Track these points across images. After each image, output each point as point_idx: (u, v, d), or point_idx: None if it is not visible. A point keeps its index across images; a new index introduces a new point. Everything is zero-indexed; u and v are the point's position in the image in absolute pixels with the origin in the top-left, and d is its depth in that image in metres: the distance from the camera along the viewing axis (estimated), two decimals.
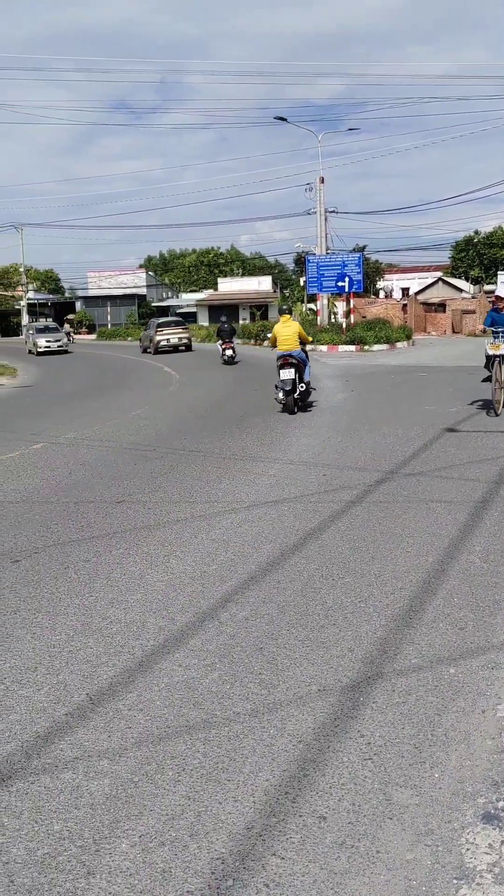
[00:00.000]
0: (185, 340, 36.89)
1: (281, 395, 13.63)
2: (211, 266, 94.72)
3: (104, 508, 7.22)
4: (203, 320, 66.95)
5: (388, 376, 20.17)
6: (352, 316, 39.53)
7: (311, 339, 15.28)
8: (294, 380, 13.44)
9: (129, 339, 58.13)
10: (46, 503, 7.55)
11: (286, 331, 14.06)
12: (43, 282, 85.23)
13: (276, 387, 14.02)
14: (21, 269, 72.13)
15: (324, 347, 34.01)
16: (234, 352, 27.15)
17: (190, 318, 69.75)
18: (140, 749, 3.18)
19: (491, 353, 12.15)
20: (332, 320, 42.19)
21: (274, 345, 14.39)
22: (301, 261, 55.27)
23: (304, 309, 47.41)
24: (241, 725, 3.33)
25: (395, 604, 4.63)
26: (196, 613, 4.60)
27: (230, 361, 26.74)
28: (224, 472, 8.57)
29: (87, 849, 2.59)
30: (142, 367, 28.24)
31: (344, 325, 37.69)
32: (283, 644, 4.14)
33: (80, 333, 63.49)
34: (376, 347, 33.71)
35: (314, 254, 42.52)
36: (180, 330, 37.41)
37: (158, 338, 36.17)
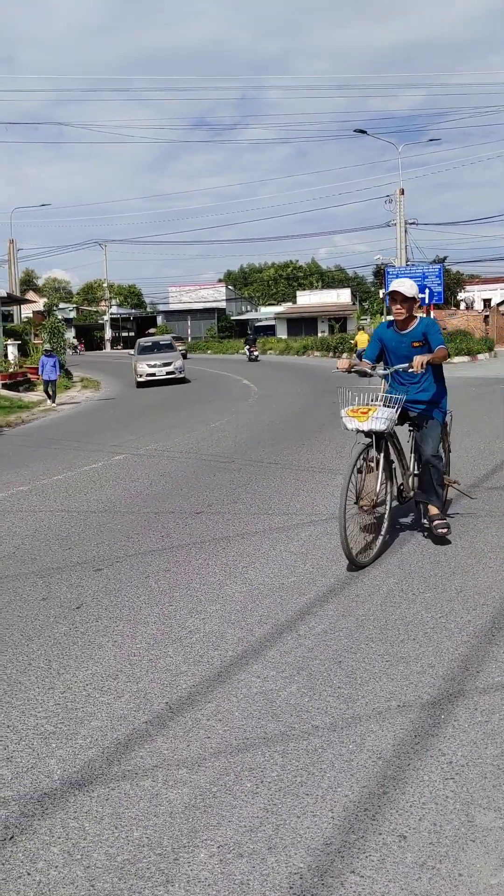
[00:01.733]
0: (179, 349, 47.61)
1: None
2: (290, 279, 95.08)
3: (184, 519, 7.30)
4: (282, 333, 67.19)
5: (469, 388, 19.80)
6: None
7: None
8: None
9: (209, 352, 58.77)
10: (128, 513, 7.67)
11: (363, 338, 27.18)
12: (126, 297, 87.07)
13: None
14: (104, 285, 73.84)
15: None
16: (258, 353, 40.92)
17: (269, 330, 70.18)
18: (218, 759, 3.19)
19: (351, 426, 5.79)
20: None
21: (355, 346, 27.86)
22: (380, 273, 54.94)
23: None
24: (320, 739, 3.30)
25: (478, 620, 4.53)
26: (274, 625, 4.59)
27: (255, 360, 39.70)
28: (302, 485, 8.55)
29: (166, 857, 2.61)
30: (221, 380, 28.51)
31: None
32: (361, 658, 4.09)
33: None
34: (457, 359, 33.20)
35: (393, 266, 42.18)
36: (179, 343, 44.84)
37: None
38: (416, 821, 2.73)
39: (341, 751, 3.20)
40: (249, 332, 50.44)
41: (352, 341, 31.80)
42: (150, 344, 31.89)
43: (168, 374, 28.04)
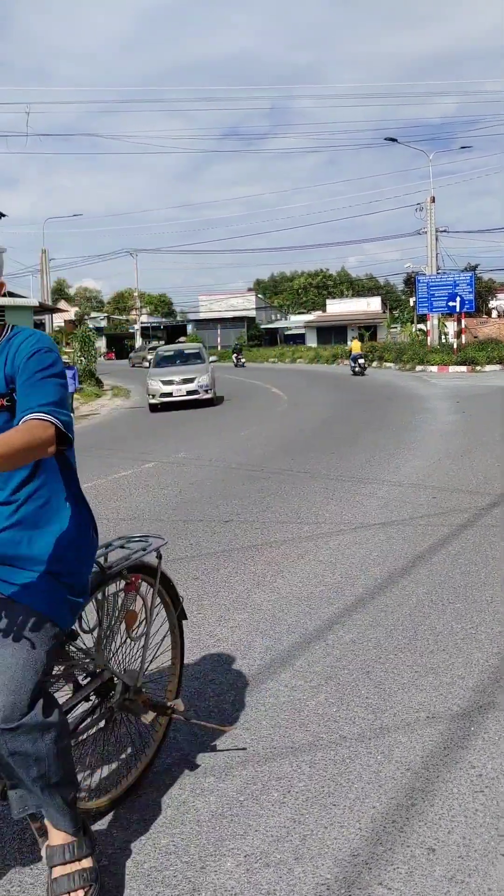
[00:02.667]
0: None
1: (357, 367, 31.85)
2: (320, 288, 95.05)
3: (212, 527, 7.31)
4: (311, 342, 67.17)
5: (501, 397, 19.64)
6: (463, 336, 38.80)
7: (361, 347, 34.50)
8: (362, 362, 32.05)
9: None
10: (157, 521, 7.71)
11: (356, 345, 33.54)
12: (156, 305, 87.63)
13: (351, 366, 32.56)
14: (135, 294, 74.35)
15: (434, 368, 33.49)
16: (244, 360, 46.84)
17: (299, 339, 70.22)
18: (245, 768, 3.18)
19: None
20: (443, 340, 41.53)
21: (351, 350, 33.79)
22: (411, 281, 54.73)
23: (413, 329, 46.90)
24: (348, 750, 3.29)
25: None
26: (302, 635, 4.58)
27: (241, 366, 45.14)
28: (331, 494, 8.53)
29: (193, 865, 2.61)
30: (251, 388, 28.54)
31: (455, 346, 37.03)
32: (390, 669, 4.06)
33: None
34: (489, 368, 32.93)
35: (424, 274, 42.03)
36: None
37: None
38: (445, 834, 2.71)
39: (369, 762, 3.18)
40: (236, 341, 58.85)
41: (347, 347, 42.38)
42: (171, 353, 24.92)
43: (189, 393, 21.24)
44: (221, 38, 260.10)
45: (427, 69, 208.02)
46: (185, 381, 21.49)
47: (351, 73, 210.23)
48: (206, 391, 21.54)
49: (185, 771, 3.18)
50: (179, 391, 21.35)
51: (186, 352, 24.93)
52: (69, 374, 20.20)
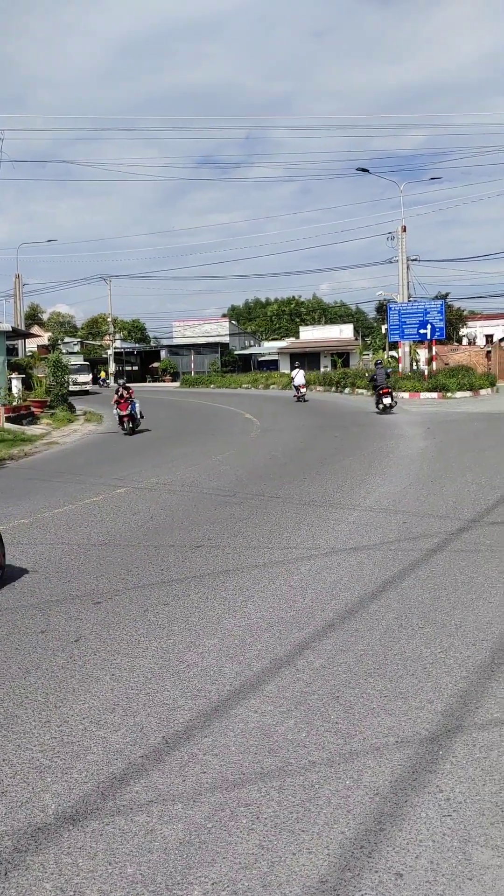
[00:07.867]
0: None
1: (295, 394, 33.32)
2: (293, 315, 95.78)
3: (184, 553, 7.29)
4: (284, 368, 67.44)
5: (472, 424, 19.86)
6: (434, 363, 39.24)
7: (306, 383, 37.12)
8: (301, 389, 33.17)
9: (212, 386, 58.92)
10: (128, 546, 7.67)
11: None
12: (129, 331, 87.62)
13: (293, 393, 34.46)
14: (109, 319, 74.31)
15: (405, 394, 33.78)
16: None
17: (272, 365, 70.53)
18: (214, 795, 3.16)
19: None
20: (414, 367, 41.99)
21: (292, 381, 35.38)
22: (383, 308, 55.41)
23: (385, 356, 47.37)
24: (317, 775, 3.28)
25: (477, 655, 4.51)
26: (273, 660, 4.57)
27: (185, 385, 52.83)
28: (303, 519, 8.55)
29: (160, 894, 2.58)
30: (224, 414, 28.58)
31: (426, 372, 37.44)
32: (360, 693, 4.07)
33: (164, 381, 64.87)
34: (459, 394, 33.31)
35: (396, 302, 42.53)
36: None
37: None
38: (413, 858, 2.70)
39: (338, 787, 3.18)
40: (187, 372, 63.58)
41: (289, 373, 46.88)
42: None
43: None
44: (199, 70, 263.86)
45: (399, 102, 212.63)
46: None
47: (326, 104, 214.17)
48: None
49: (152, 797, 3.15)
50: None
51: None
52: None
